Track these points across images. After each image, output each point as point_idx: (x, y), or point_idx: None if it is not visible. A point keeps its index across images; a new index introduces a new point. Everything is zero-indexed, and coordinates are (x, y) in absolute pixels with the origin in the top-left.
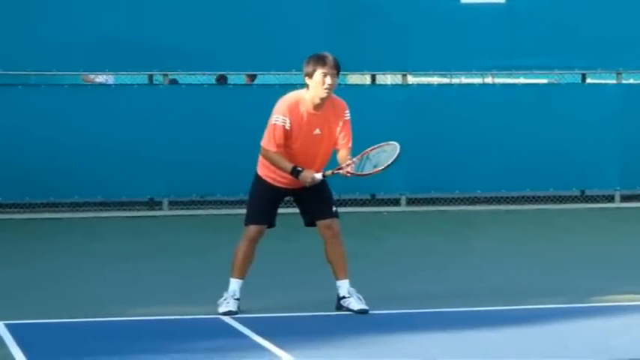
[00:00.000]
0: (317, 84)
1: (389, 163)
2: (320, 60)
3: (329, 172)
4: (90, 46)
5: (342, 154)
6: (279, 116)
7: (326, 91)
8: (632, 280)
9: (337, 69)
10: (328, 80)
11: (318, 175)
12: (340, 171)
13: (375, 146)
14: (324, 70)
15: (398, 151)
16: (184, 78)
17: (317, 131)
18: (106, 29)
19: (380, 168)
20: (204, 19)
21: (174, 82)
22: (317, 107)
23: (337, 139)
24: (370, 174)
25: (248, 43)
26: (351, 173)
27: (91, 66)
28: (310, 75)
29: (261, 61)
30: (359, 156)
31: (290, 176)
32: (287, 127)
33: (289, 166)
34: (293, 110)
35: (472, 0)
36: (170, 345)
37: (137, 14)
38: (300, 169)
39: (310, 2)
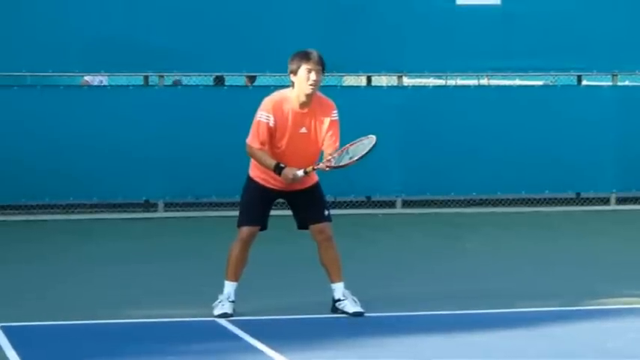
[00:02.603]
0: (302, 80)
1: (364, 153)
2: (304, 56)
3: (309, 168)
4: (86, 47)
5: (328, 153)
6: (262, 113)
7: (311, 87)
8: (627, 282)
9: (322, 65)
10: (313, 76)
11: (300, 172)
12: (320, 165)
13: (355, 141)
14: (309, 66)
15: (374, 142)
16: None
17: (303, 130)
18: (101, 30)
19: (355, 158)
20: (200, 21)
21: (178, 82)
22: (303, 105)
23: (324, 139)
24: (347, 165)
25: (244, 45)
26: (330, 167)
27: (86, 67)
28: (295, 72)
29: (257, 63)
30: (339, 151)
31: (281, 178)
32: (271, 124)
33: (272, 162)
34: (278, 108)
35: (467, 1)
36: (165, 347)
37: (133, 15)
38: (282, 165)
39: (306, 3)
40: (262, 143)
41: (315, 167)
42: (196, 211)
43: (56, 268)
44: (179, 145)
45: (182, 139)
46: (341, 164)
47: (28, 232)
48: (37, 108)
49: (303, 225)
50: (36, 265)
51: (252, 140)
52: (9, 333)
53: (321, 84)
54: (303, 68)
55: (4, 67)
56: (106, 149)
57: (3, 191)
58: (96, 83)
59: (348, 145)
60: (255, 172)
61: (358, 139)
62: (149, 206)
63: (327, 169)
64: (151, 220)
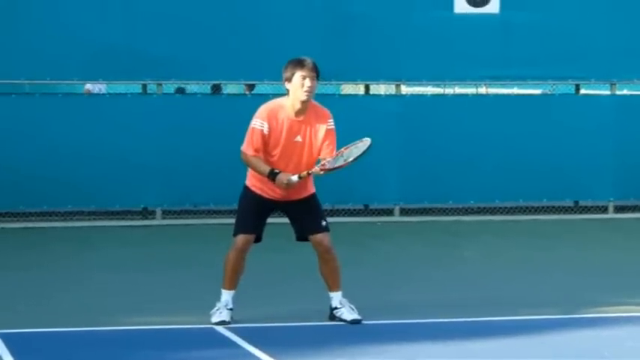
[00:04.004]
0: (296, 87)
1: (358, 155)
2: (298, 63)
3: (304, 173)
4: (84, 55)
5: (324, 159)
6: (257, 120)
7: (305, 93)
8: (625, 291)
9: (316, 72)
10: (307, 83)
11: (294, 178)
12: (315, 169)
13: (349, 145)
14: (303, 73)
15: (368, 145)
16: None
17: (298, 138)
18: (100, 38)
19: (350, 160)
20: (199, 29)
21: (181, 90)
22: (298, 113)
23: (321, 148)
24: (341, 166)
25: (242, 53)
26: (325, 170)
27: (85, 75)
28: (289, 79)
29: (256, 71)
30: (334, 154)
31: (278, 189)
32: (265, 131)
33: (267, 169)
34: (273, 116)
35: (466, 10)
36: (163, 354)
37: (132, 23)
38: (277, 171)
39: (304, 12)
40: (256, 150)
41: (310, 172)
42: (194, 219)
43: (54, 276)
44: (177, 152)
45: (180, 147)
46: (335, 166)
47: (26, 240)
48: (36, 116)
49: (301, 236)
50: (34, 273)
51: (247, 147)
52: (7, 340)
53: (319, 92)
54: (298, 75)
55: (3, 75)
56: (105, 157)
57: (1, 199)
58: (95, 91)
59: (342, 149)
60: (251, 181)
61: (352, 143)
62: (147, 214)
63: (322, 172)
64: (149, 228)
